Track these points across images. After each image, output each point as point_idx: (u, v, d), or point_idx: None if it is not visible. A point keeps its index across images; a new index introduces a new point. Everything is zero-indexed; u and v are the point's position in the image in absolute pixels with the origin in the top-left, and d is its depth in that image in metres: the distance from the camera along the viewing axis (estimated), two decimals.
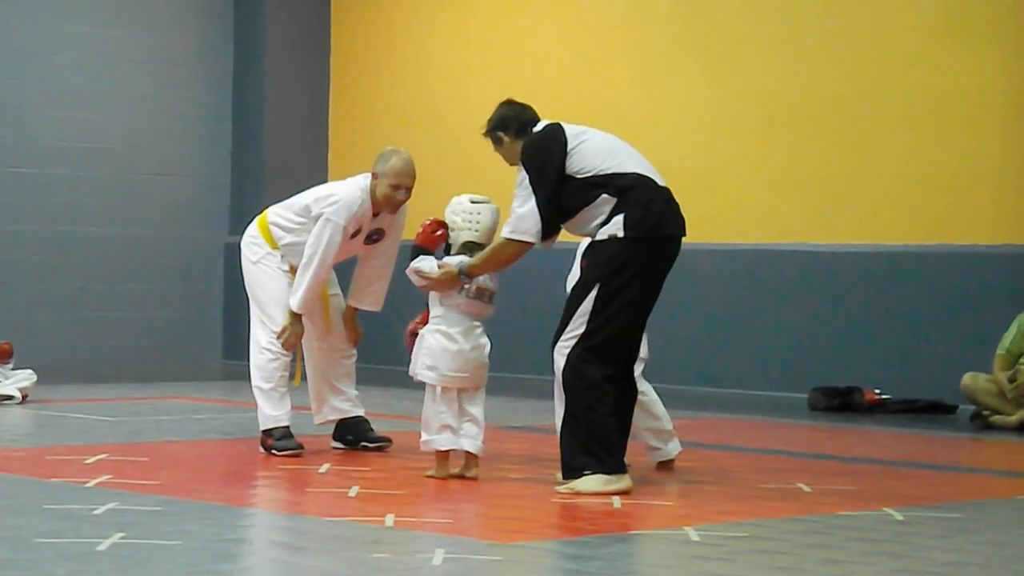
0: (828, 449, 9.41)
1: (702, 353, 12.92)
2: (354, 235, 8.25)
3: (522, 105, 7.48)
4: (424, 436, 7.37)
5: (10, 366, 11.12)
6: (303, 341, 8.43)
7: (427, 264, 7.37)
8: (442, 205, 7.53)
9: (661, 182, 7.23)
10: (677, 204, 7.24)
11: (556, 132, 7.24)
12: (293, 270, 8.32)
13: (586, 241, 7.44)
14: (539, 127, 7.34)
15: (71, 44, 14.86)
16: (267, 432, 8.29)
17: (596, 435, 6.98)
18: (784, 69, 12.85)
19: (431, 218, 7.63)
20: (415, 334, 7.50)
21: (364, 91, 15.76)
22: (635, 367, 7.37)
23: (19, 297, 14.57)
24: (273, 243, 8.40)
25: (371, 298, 8.51)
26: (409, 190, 8.23)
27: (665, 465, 7.87)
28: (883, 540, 6.01)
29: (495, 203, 7.48)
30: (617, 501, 6.85)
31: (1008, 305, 11.18)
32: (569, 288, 7.75)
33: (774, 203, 12.87)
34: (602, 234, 7.08)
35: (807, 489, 7.35)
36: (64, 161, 14.82)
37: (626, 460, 7.11)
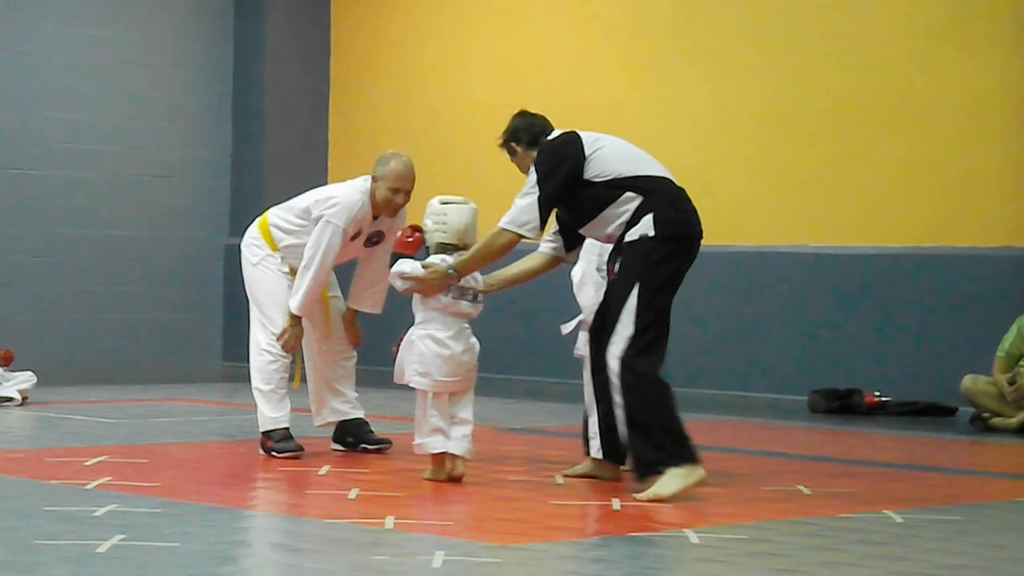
0: (828, 451, 9.41)
1: (702, 355, 12.92)
2: (354, 237, 8.26)
3: (535, 115, 7.53)
4: (417, 439, 7.37)
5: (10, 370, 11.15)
6: (303, 343, 8.44)
7: (408, 265, 7.37)
8: None
9: (678, 185, 7.29)
10: (695, 206, 7.31)
11: (572, 139, 7.29)
12: (293, 272, 8.32)
13: (591, 242, 7.50)
14: (553, 135, 7.37)
15: (71, 46, 14.86)
16: (267, 434, 8.29)
17: (666, 429, 6.99)
18: (784, 71, 12.85)
19: (408, 224, 7.68)
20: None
21: (364, 92, 15.76)
22: None
23: (19, 299, 14.57)
24: (273, 245, 8.40)
25: (371, 300, 8.52)
26: (408, 194, 8.24)
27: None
28: (883, 542, 6.00)
29: (474, 202, 7.46)
30: (617, 503, 6.86)
31: (1008, 307, 11.19)
32: (575, 282, 7.79)
33: (774, 205, 12.88)
34: (632, 234, 7.12)
35: (807, 491, 7.35)
36: (64, 163, 14.82)
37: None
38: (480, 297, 7.40)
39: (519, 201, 7.19)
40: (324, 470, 7.83)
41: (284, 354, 8.27)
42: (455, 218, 7.36)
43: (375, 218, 8.28)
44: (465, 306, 7.33)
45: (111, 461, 7.85)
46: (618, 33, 13.93)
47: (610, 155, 7.24)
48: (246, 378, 8.52)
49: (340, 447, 8.58)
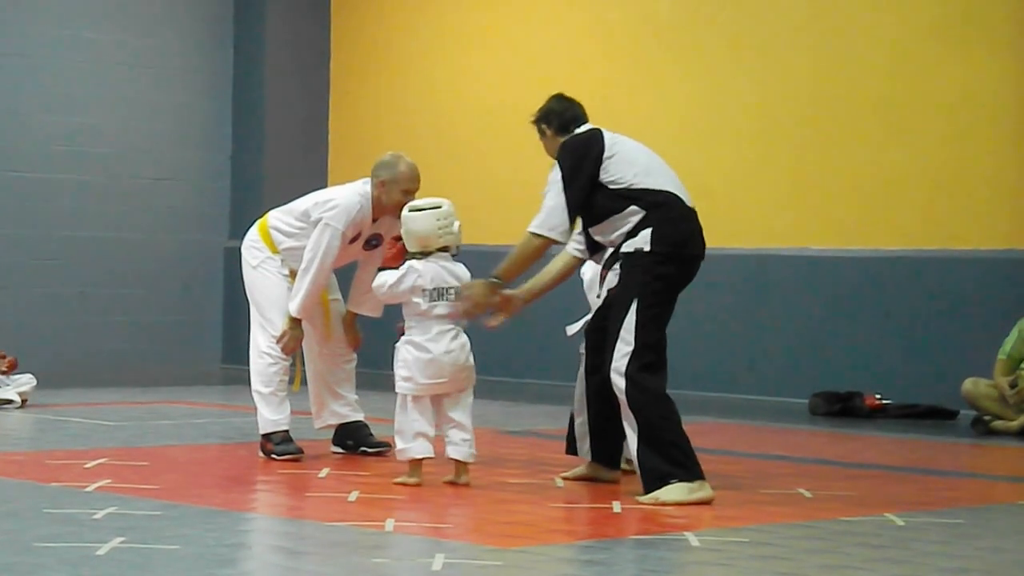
0: (829, 454, 9.40)
1: (702, 358, 12.90)
2: (353, 240, 8.25)
3: (570, 101, 7.51)
4: (399, 444, 7.34)
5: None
6: (303, 345, 8.43)
7: (384, 274, 7.40)
8: None
9: (690, 202, 7.27)
10: (701, 226, 7.30)
11: (596, 137, 7.29)
12: (293, 274, 8.31)
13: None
14: (581, 129, 7.36)
15: (71, 49, 14.85)
16: (267, 436, 8.28)
17: (676, 443, 6.99)
18: (782, 75, 12.84)
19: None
20: None
21: (364, 95, 15.75)
22: None
23: (19, 301, 14.56)
24: (273, 247, 8.39)
25: (370, 304, 8.50)
26: (415, 193, 8.24)
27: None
28: (884, 546, 6.00)
29: (451, 201, 7.44)
30: (617, 506, 6.85)
31: (1009, 310, 11.17)
32: (585, 281, 7.78)
33: (774, 208, 12.87)
34: (628, 247, 7.11)
35: (808, 494, 7.34)
36: (64, 166, 14.81)
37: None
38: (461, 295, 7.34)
39: (547, 203, 7.20)
40: (324, 473, 7.82)
41: (284, 357, 8.27)
42: (411, 226, 7.38)
43: (375, 220, 8.28)
44: (442, 308, 7.31)
45: (111, 463, 7.85)
46: (617, 38, 13.92)
47: (625, 160, 7.23)
48: (246, 381, 8.52)
49: (340, 450, 8.57)
